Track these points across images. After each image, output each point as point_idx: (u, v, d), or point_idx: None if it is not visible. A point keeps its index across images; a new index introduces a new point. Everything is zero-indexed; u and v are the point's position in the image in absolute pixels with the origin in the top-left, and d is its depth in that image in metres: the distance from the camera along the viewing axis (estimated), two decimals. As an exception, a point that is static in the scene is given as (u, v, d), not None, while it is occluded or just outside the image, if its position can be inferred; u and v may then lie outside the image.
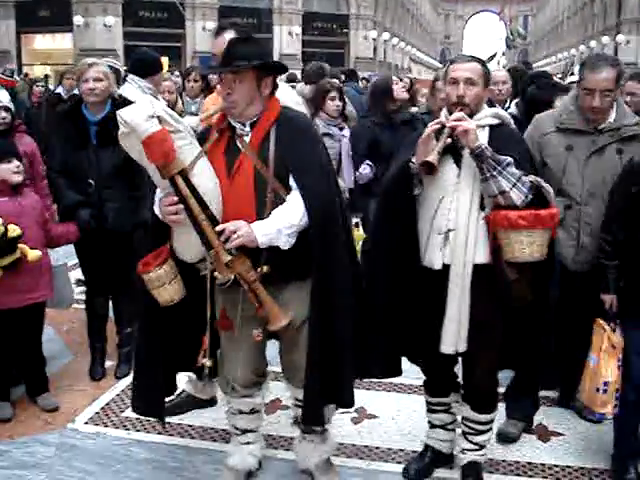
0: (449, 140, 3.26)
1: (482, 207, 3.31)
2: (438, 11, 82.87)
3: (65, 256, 5.05)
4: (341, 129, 5.99)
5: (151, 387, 3.51)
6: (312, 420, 3.45)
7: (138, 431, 4.21)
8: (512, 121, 3.57)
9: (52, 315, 5.35)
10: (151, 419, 4.22)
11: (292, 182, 3.16)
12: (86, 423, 4.31)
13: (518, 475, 3.79)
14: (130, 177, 4.60)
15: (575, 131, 3.84)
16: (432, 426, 3.81)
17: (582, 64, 3.88)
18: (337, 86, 6.08)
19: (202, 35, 32.13)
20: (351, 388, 3.41)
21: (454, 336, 3.35)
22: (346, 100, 6.32)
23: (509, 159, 3.22)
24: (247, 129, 3.20)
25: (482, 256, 3.32)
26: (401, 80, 6.43)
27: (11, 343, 4.36)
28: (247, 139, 3.20)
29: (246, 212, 3.10)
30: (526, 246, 3.20)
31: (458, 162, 3.34)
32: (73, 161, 4.65)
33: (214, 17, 34.62)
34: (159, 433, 4.18)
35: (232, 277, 3.08)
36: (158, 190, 3.21)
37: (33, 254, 4.17)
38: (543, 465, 3.88)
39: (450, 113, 3.34)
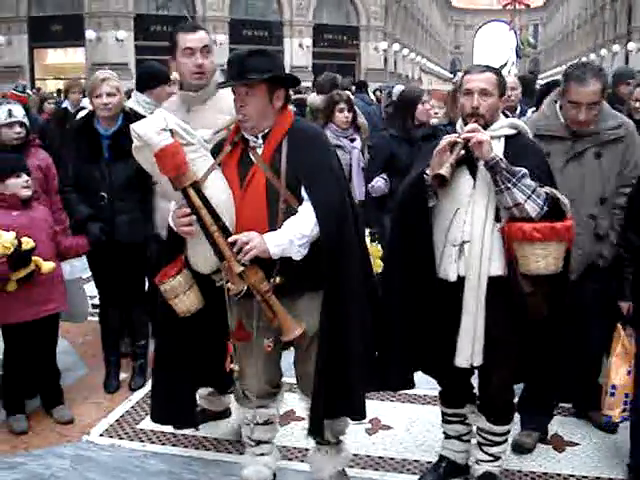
0: (463, 152, 3.26)
1: (498, 219, 3.29)
2: (448, 21, 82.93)
3: (80, 270, 5.05)
4: (352, 140, 5.93)
5: (177, 395, 3.51)
6: (313, 431, 3.42)
7: (153, 443, 4.22)
8: (529, 131, 3.54)
9: (67, 327, 5.41)
10: (166, 431, 4.25)
11: (303, 193, 3.17)
12: (101, 435, 4.32)
13: (534, 485, 3.78)
14: (142, 189, 4.63)
15: (552, 137, 3.83)
16: (447, 437, 3.79)
17: (566, 74, 3.80)
18: (346, 97, 6.04)
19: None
20: (361, 400, 3.38)
21: (469, 349, 3.33)
22: (357, 111, 6.29)
23: (524, 170, 3.20)
24: (260, 141, 3.23)
25: (497, 268, 3.30)
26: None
27: (26, 355, 4.38)
28: (259, 151, 3.22)
29: (258, 223, 3.11)
30: (541, 259, 3.17)
31: (473, 173, 3.33)
32: (85, 175, 4.69)
33: (224, 30, 34.90)
34: (174, 445, 4.19)
35: (245, 288, 3.10)
36: (172, 202, 3.24)
37: (47, 266, 4.20)
38: (559, 475, 3.86)
39: (465, 124, 3.35)
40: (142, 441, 4.25)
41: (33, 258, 4.13)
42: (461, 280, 3.32)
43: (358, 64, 40.61)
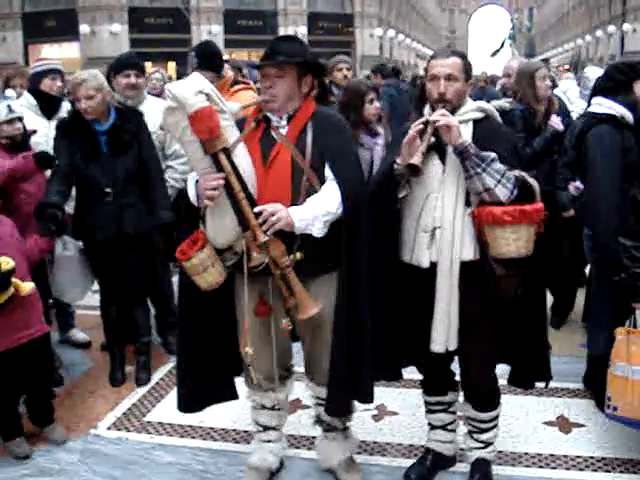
0: (433, 139, 3.22)
1: (468, 203, 3.26)
2: (442, 6, 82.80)
3: (75, 247, 4.73)
4: (374, 135, 5.06)
5: (209, 375, 3.54)
6: (338, 410, 3.45)
7: (160, 435, 4.24)
8: (497, 114, 3.49)
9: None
10: (173, 422, 4.29)
11: (328, 173, 3.23)
12: (109, 428, 4.34)
13: (541, 467, 3.79)
14: (144, 181, 4.66)
15: None
16: (432, 427, 3.76)
17: None
18: (374, 86, 5.38)
19: (208, 39, 32.18)
20: (369, 383, 3.41)
21: (444, 334, 3.31)
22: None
23: (493, 155, 3.17)
24: (283, 122, 3.27)
25: (469, 253, 3.28)
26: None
27: (16, 382, 4.03)
28: (283, 131, 3.26)
29: (281, 199, 3.14)
30: (512, 242, 3.14)
31: (443, 159, 3.29)
32: (87, 172, 4.59)
33: (219, 21, 34.79)
34: (181, 436, 4.21)
35: (266, 260, 3.11)
36: (192, 174, 3.29)
37: (26, 287, 3.86)
38: (566, 457, 3.87)
39: (433, 110, 3.31)
40: (149, 433, 4.27)
41: (12, 280, 3.76)
42: (434, 266, 3.29)
43: (354, 51, 40.49)
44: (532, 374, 3.58)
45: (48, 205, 4.33)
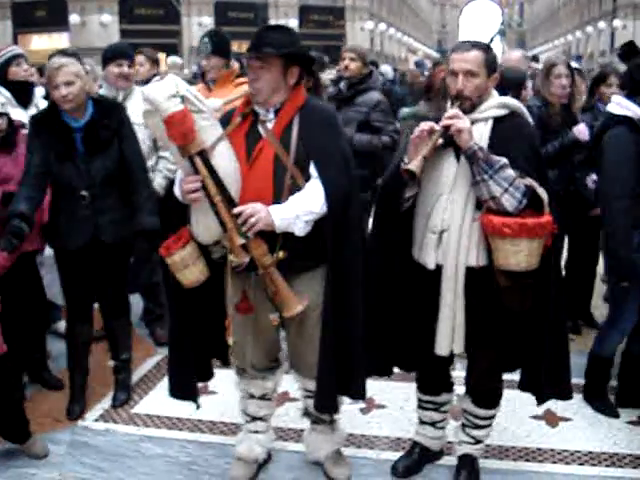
0: (441, 141, 3.11)
1: (480, 206, 3.15)
2: (433, 1, 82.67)
3: None
4: None
5: (184, 372, 3.51)
6: (327, 407, 3.43)
7: (148, 427, 4.23)
8: (525, 110, 3.34)
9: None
10: (160, 414, 4.29)
11: (313, 171, 3.17)
12: (96, 420, 4.32)
13: (527, 461, 3.81)
14: (124, 182, 4.22)
15: None
16: (421, 422, 3.76)
17: None
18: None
19: (198, 31, 32.03)
20: (361, 380, 3.39)
21: (448, 338, 3.26)
22: None
23: (503, 161, 3.04)
24: (270, 116, 3.22)
25: (476, 259, 3.19)
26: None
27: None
28: (270, 125, 3.21)
29: (264, 197, 3.10)
30: (511, 255, 3.02)
31: (458, 157, 3.17)
32: (60, 174, 4.10)
33: (210, 12, 34.66)
34: (169, 428, 4.20)
35: (247, 261, 3.09)
36: (179, 172, 3.25)
37: None
38: (552, 450, 3.89)
39: (453, 105, 3.20)
40: (137, 425, 4.26)
41: None
42: (439, 269, 3.23)
43: (344, 45, 40.36)
44: (542, 386, 3.42)
45: (14, 216, 3.94)
